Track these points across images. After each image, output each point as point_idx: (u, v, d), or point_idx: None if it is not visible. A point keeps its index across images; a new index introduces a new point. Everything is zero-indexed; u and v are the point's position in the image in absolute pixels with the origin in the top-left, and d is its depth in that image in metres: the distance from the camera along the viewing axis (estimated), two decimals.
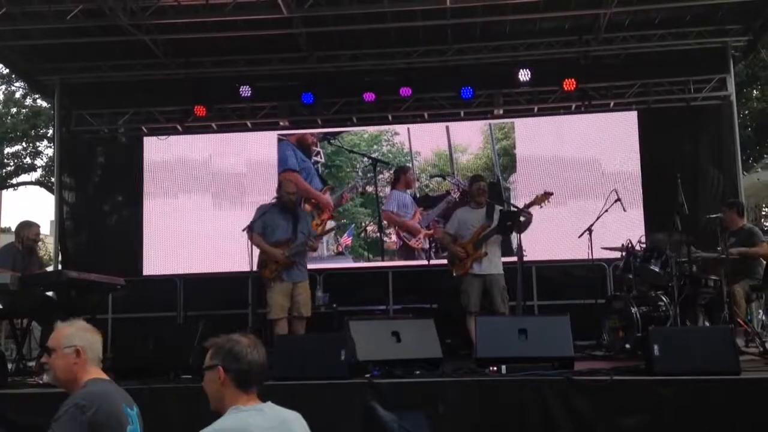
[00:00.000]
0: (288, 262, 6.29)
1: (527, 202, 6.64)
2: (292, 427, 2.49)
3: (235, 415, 2.43)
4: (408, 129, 9.48)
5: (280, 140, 9.49)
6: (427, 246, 8.97)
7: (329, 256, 9.23)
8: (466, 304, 6.50)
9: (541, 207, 6.61)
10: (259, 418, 2.42)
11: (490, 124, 9.39)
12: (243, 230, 6.52)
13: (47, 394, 4.84)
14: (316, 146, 9.46)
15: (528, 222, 6.59)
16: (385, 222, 9.08)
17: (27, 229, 6.50)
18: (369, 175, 9.33)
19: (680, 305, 6.11)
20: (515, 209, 6.67)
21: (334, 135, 9.54)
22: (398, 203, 9.28)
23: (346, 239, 9.30)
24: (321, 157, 9.51)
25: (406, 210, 9.22)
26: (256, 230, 6.37)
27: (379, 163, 9.24)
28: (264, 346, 2.61)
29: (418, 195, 9.31)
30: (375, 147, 9.50)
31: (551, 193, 6.64)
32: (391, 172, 9.36)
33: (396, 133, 9.49)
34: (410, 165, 9.37)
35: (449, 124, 9.46)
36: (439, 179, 9.31)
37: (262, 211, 6.53)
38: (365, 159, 9.41)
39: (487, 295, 6.53)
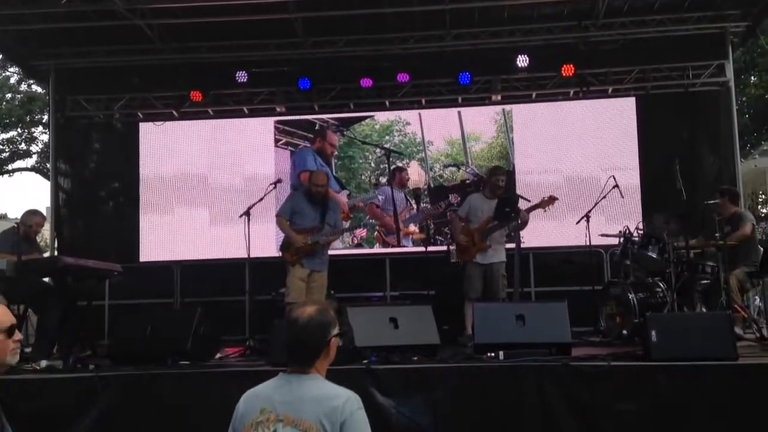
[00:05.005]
0: (309, 249, 6.34)
1: (531, 205, 6.64)
2: (302, 406, 2.41)
3: (270, 380, 2.55)
4: (420, 118, 9.34)
5: (300, 146, 9.42)
6: (409, 244, 9.12)
7: (345, 248, 9.15)
8: (468, 291, 6.68)
9: (546, 211, 6.64)
10: (276, 389, 2.49)
11: (504, 112, 9.30)
12: (240, 216, 6.54)
13: (44, 380, 4.85)
14: (334, 155, 9.39)
15: (524, 224, 6.62)
16: (368, 216, 9.19)
17: (30, 217, 6.52)
18: (382, 166, 9.29)
19: (677, 291, 6.14)
20: (515, 197, 6.68)
21: (347, 126, 9.47)
22: (386, 198, 9.22)
23: (361, 231, 9.26)
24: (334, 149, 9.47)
25: (389, 209, 9.16)
26: (285, 215, 6.52)
27: (392, 153, 9.12)
28: (324, 318, 2.55)
29: (432, 185, 9.24)
30: (387, 137, 9.41)
31: (556, 198, 6.66)
32: (404, 162, 9.30)
33: (408, 123, 9.38)
34: (423, 155, 9.28)
35: (461, 110, 9.35)
36: (453, 169, 9.23)
37: (292, 198, 6.72)
38: (378, 150, 9.35)
39: (488, 282, 6.72)
